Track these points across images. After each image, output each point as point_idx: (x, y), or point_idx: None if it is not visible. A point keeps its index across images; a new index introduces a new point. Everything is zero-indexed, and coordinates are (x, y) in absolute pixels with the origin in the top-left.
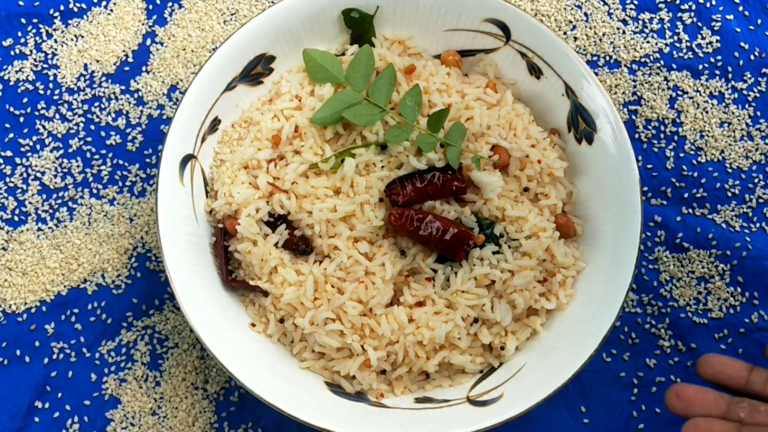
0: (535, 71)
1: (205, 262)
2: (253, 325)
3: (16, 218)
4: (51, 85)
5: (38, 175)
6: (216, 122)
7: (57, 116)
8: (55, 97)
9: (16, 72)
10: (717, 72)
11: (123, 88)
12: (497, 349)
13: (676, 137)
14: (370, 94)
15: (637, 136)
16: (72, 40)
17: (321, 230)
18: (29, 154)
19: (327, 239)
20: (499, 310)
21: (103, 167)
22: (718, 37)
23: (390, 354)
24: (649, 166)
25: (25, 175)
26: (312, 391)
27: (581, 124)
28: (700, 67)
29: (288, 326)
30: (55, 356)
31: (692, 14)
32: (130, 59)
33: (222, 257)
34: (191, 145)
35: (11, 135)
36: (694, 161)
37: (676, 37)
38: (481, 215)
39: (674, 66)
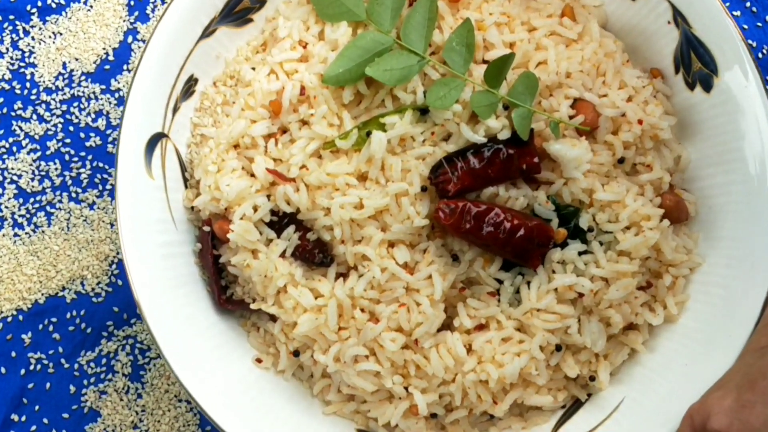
0: None
1: (189, 277)
2: (259, 360)
3: None
4: (28, 85)
5: (14, 178)
6: (191, 82)
7: (34, 117)
8: (33, 97)
9: None
10: None
11: (103, 87)
12: (584, 378)
13: None
14: (401, 35)
15: None
16: (50, 37)
17: (343, 233)
18: (5, 156)
19: (352, 246)
20: (589, 332)
21: (82, 170)
22: None
23: (443, 395)
24: None
25: (0, 178)
26: None
27: (695, 63)
28: None
29: (305, 360)
30: (32, 367)
31: None
32: (110, 57)
33: (212, 271)
34: (159, 120)
35: None
36: None
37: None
38: (562, 201)
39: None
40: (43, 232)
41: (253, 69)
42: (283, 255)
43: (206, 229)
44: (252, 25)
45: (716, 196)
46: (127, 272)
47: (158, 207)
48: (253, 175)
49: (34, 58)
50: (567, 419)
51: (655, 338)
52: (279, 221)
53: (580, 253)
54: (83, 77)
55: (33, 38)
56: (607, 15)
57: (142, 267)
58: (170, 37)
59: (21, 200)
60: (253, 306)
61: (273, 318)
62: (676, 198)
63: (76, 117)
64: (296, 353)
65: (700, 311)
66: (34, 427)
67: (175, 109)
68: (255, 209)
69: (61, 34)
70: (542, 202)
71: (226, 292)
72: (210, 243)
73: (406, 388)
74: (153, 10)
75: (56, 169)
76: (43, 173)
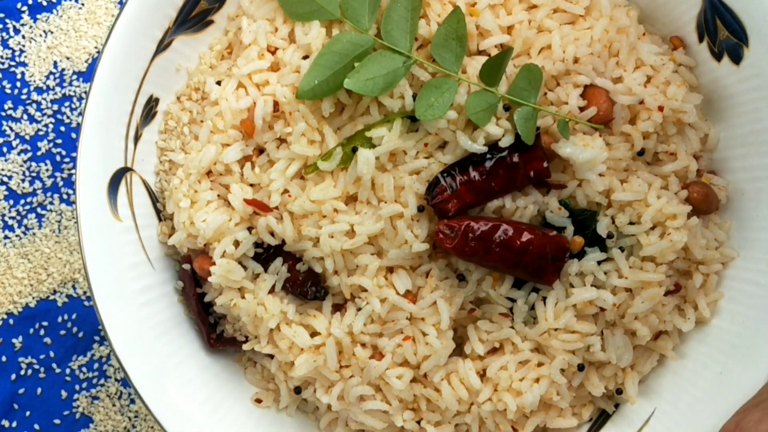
0: None
1: (173, 320)
2: (259, 400)
3: None
4: (18, 84)
5: (5, 179)
6: (152, 104)
7: (25, 117)
8: (23, 97)
9: None
10: None
11: None
12: (611, 390)
13: None
14: (383, 32)
15: None
16: (41, 35)
17: (336, 264)
18: None
19: (346, 276)
20: (614, 347)
21: (73, 171)
22: None
23: (459, 425)
24: None
25: None
26: None
27: (721, 30)
28: None
29: (308, 395)
30: (23, 372)
31: None
32: None
33: (197, 311)
34: (119, 153)
35: None
36: None
37: None
38: (576, 205)
39: None
40: (33, 234)
41: (219, 83)
42: (272, 290)
43: (186, 267)
44: (213, 27)
45: (750, 180)
46: (104, 331)
47: (131, 251)
48: (229, 205)
49: (25, 56)
50: None
51: (686, 342)
52: (265, 252)
53: (599, 263)
54: (75, 76)
55: (23, 36)
56: None
57: (120, 323)
58: (120, 59)
59: (11, 202)
60: (245, 347)
61: (270, 354)
62: (704, 188)
63: (68, 117)
64: (297, 390)
65: (735, 311)
66: None
67: (137, 137)
68: (236, 244)
69: (52, 32)
70: (554, 209)
71: (216, 330)
72: (192, 281)
73: (418, 422)
74: None
75: (47, 170)
76: (33, 174)
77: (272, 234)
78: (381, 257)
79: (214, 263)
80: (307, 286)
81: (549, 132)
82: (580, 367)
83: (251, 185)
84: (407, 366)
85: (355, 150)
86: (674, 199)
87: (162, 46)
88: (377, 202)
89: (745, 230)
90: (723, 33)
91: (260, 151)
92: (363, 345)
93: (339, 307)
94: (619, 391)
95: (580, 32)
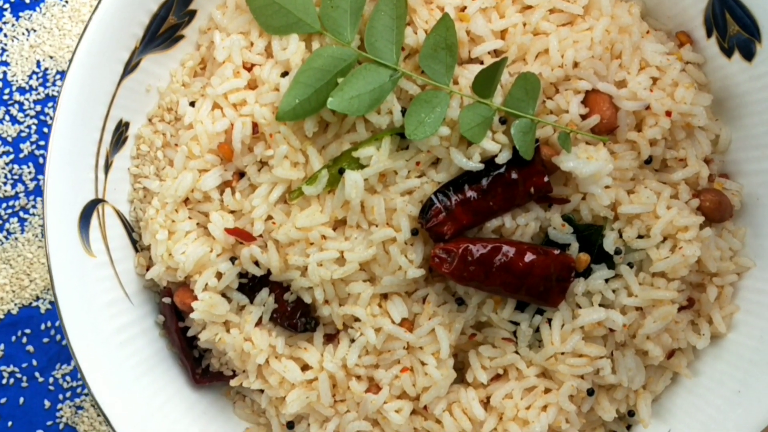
0: None
1: (156, 357)
2: None
3: None
4: (0, 84)
5: None
6: (121, 129)
7: (7, 118)
8: (5, 97)
9: None
10: None
11: None
12: (622, 412)
13: None
14: (366, 44)
15: None
16: (23, 34)
17: (326, 294)
18: None
19: (338, 306)
20: (625, 369)
21: None
22: None
23: None
24: None
25: None
26: None
27: (731, 25)
28: None
29: (302, 430)
30: (4, 381)
31: None
32: None
33: (181, 347)
34: (90, 185)
35: None
36: None
37: None
38: (580, 219)
39: None
40: (16, 239)
41: (193, 104)
42: (260, 322)
43: (167, 300)
44: (184, 42)
45: (764, 183)
46: (82, 376)
47: (106, 287)
48: (209, 234)
49: (7, 56)
50: None
51: (701, 359)
52: (250, 281)
53: (607, 280)
54: (58, 76)
55: (5, 35)
56: None
57: (98, 366)
58: (84, 86)
59: None
60: (233, 382)
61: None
62: (717, 195)
63: (51, 118)
64: (290, 425)
65: (752, 324)
66: None
67: (108, 166)
68: (219, 276)
69: (35, 30)
70: (557, 226)
71: (201, 364)
72: (174, 314)
73: None
74: None
75: (30, 172)
76: (16, 177)
77: (257, 264)
78: (374, 284)
79: (195, 298)
80: (297, 318)
81: (549, 143)
82: (590, 392)
83: (232, 212)
84: (406, 398)
85: (341, 172)
86: (685, 209)
87: (129, 67)
88: (368, 225)
89: (761, 237)
90: (733, 28)
91: (240, 174)
92: (358, 378)
93: (331, 338)
94: (631, 413)
95: (579, 34)
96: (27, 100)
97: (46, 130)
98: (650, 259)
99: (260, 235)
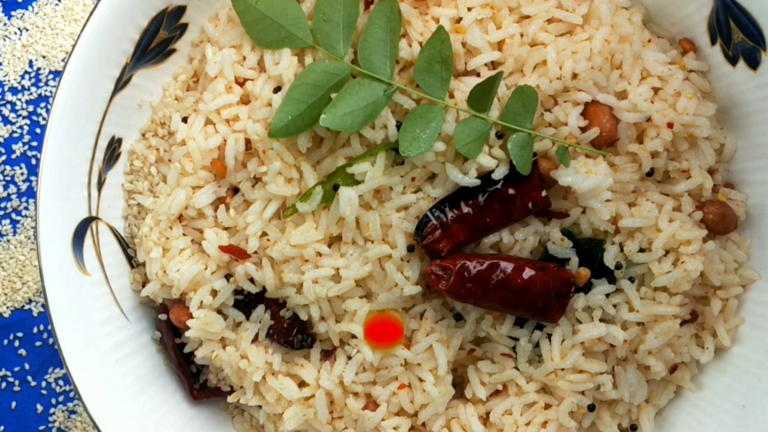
0: None
1: (153, 374)
2: None
3: None
4: None
5: None
6: (114, 145)
7: None
8: None
9: None
10: None
11: None
12: (624, 426)
13: None
14: (360, 58)
15: None
16: (16, 33)
17: (322, 311)
18: None
19: (334, 323)
20: (627, 384)
21: None
22: None
23: None
24: None
25: None
26: None
27: (735, 33)
28: None
29: None
30: None
31: None
32: None
33: (178, 363)
34: (83, 203)
35: None
36: None
37: None
38: (580, 233)
39: None
40: (8, 241)
41: (185, 120)
42: (256, 338)
43: (162, 317)
44: (176, 55)
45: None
46: (78, 395)
47: (102, 305)
48: (204, 251)
49: None
50: None
51: (705, 372)
52: (246, 298)
53: (607, 295)
54: (51, 76)
55: None
56: None
57: (95, 385)
58: (75, 104)
59: None
60: (230, 399)
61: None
62: (721, 207)
63: (44, 118)
64: None
65: (757, 338)
66: None
67: (101, 183)
68: (214, 294)
69: (27, 30)
70: (556, 240)
71: (198, 379)
72: (170, 331)
73: None
74: None
75: (22, 174)
76: (8, 178)
77: (252, 281)
78: (370, 300)
79: (191, 315)
80: (293, 334)
81: (548, 156)
82: (591, 408)
83: (226, 228)
84: (404, 415)
85: (336, 188)
86: (688, 221)
87: (121, 83)
88: (363, 242)
89: (767, 249)
90: (738, 35)
91: (235, 190)
92: (355, 395)
93: (328, 354)
94: (634, 427)
95: (578, 45)
96: (19, 100)
97: (38, 130)
98: (652, 273)
99: (255, 252)
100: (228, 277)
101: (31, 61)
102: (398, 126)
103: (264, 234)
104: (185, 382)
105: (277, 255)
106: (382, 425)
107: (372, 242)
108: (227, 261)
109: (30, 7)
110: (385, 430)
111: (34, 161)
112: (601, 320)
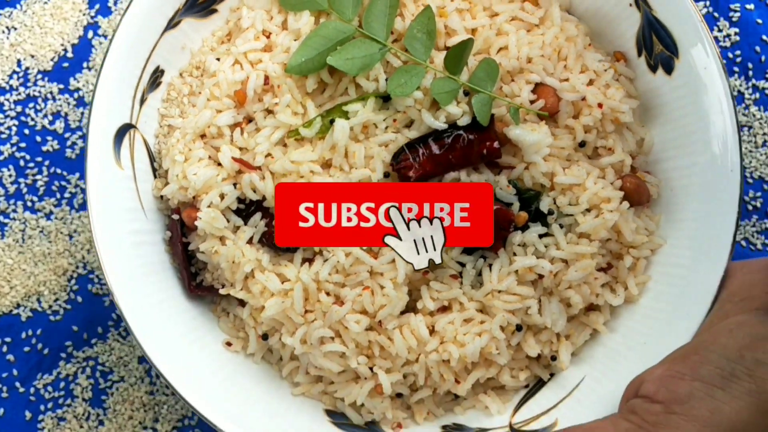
0: None
1: (160, 265)
2: (229, 344)
3: None
4: None
5: None
6: (158, 74)
7: None
8: None
9: None
10: (735, 69)
11: (61, 86)
12: (546, 359)
13: None
14: (363, 23)
15: None
16: (3, 32)
17: None
18: None
19: None
20: (549, 312)
21: (38, 176)
22: (736, 30)
23: (407, 375)
24: None
25: None
26: (309, 425)
27: (656, 45)
28: None
29: (274, 343)
30: None
31: (707, 3)
32: (69, 54)
33: (181, 258)
34: (127, 111)
35: None
36: None
37: None
38: (523, 185)
39: None
40: None
41: (218, 59)
42: (250, 241)
43: (175, 217)
44: (216, 16)
45: (678, 178)
46: (99, 258)
47: (128, 196)
48: (219, 164)
49: None
50: (529, 398)
51: (617, 318)
52: (246, 209)
53: (540, 236)
54: (40, 76)
55: None
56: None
57: (113, 254)
58: (136, 28)
59: None
60: (222, 291)
61: (242, 303)
62: (637, 180)
63: (32, 119)
64: (265, 336)
65: (660, 291)
66: None
67: (143, 101)
68: (222, 197)
69: (15, 28)
70: (503, 187)
71: (195, 279)
72: (179, 231)
73: (371, 369)
74: (115, 3)
75: (10, 175)
76: None
77: (254, 191)
78: None
79: (199, 216)
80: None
81: (503, 120)
82: (518, 327)
83: (240, 149)
84: (365, 314)
85: (332, 122)
86: (609, 186)
87: (171, 23)
88: (348, 168)
89: (673, 222)
90: (658, 47)
91: (249, 120)
92: (327, 293)
93: (308, 261)
94: (554, 358)
95: (533, 37)
96: (7, 100)
97: (27, 131)
98: (577, 222)
99: (260, 168)
100: (235, 185)
101: (19, 61)
102: (387, 81)
103: (269, 155)
104: (185, 278)
105: (278, 168)
106: (346, 318)
107: (356, 169)
108: (236, 171)
109: (18, 6)
110: (349, 323)
111: (22, 163)
112: (533, 255)
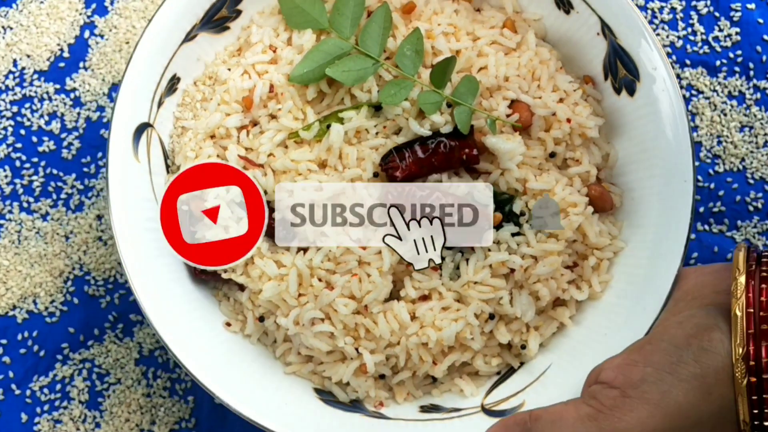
0: (564, 4)
1: (168, 251)
2: (228, 324)
3: None
4: None
5: None
6: (175, 81)
7: None
8: None
9: None
10: (736, 69)
11: (58, 87)
12: (517, 348)
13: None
14: (359, 41)
15: None
16: None
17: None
18: None
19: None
20: (520, 303)
21: (34, 177)
22: (737, 29)
23: (390, 357)
24: None
25: None
26: (299, 401)
27: (621, 70)
28: (718, 63)
29: (269, 325)
30: None
31: (708, 3)
32: (65, 54)
33: None
34: (146, 111)
35: None
36: (711, 171)
37: (689, 29)
38: (498, 189)
39: (688, 62)
40: None
41: (229, 70)
42: None
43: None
44: (229, 32)
45: (638, 189)
46: (116, 240)
47: (143, 187)
48: (226, 161)
49: None
50: (501, 383)
51: (582, 313)
52: None
53: (513, 234)
54: (36, 76)
55: None
56: (546, 28)
57: (129, 235)
58: (156, 39)
59: None
60: (224, 275)
61: (241, 288)
62: (601, 189)
63: (28, 119)
64: (261, 318)
65: (621, 289)
66: None
67: (160, 103)
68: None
69: (11, 28)
70: (481, 190)
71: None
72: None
73: (356, 349)
74: (112, 2)
75: (6, 176)
76: None
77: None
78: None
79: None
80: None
81: (482, 131)
82: (491, 316)
83: (245, 148)
84: (353, 299)
85: (329, 127)
86: (576, 193)
87: (188, 37)
88: (342, 168)
89: (634, 228)
90: (622, 72)
91: (255, 123)
92: (319, 279)
93: (304, 250)
94: (524, 347)
95: (511, 59)
96: (2, 100)
97: (23, 132)
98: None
99: (262, 165)
100: None
101: (15, 61)
102: (379, 93)
103: (271, 154)
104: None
105: (279, 166)
106: (336, 301)
107: (349, 169)
108: (241, 167)
109: (14, 5)
110: (338, 306)
111: (18, 164)
112: (506, 251)
